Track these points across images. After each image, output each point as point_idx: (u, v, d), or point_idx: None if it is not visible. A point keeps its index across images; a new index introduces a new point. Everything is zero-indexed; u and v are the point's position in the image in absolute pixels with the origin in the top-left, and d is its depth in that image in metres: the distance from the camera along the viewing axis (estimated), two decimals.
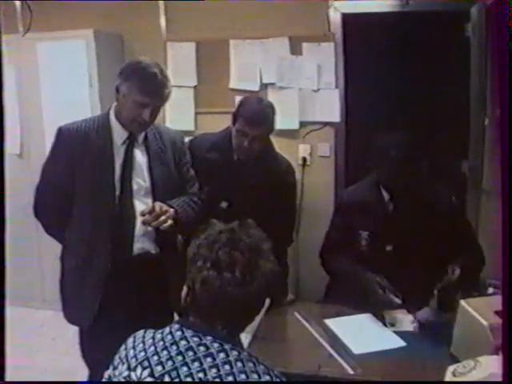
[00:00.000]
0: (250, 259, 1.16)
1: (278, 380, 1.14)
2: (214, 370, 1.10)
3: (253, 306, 1.21)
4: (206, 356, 1.12)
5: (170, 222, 1.89)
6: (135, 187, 1.98)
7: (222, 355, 1.12)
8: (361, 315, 2.04)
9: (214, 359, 1.11)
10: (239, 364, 1.11)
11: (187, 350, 1.13)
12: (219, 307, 1.16)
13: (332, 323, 1.98)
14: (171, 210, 1.92)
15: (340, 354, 1.75)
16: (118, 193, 1.95)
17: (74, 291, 2.03)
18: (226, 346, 1.14)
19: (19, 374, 1.36)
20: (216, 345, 1.14)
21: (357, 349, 1.78)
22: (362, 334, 1.91)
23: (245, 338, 1.68)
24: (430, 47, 3.01)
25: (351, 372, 1.65)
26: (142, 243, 2.00)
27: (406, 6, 2.96)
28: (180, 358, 1.12)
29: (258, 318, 1.91)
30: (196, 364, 1.11)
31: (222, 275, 1.13)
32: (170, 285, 1.98)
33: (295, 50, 3.13)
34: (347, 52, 3.11)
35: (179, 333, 1.17)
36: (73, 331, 2.12)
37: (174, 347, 1.14)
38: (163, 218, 1.88)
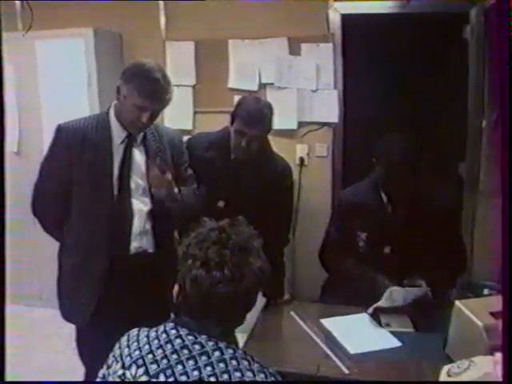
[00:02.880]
0: (239, 257, 1.16)
1: (272, 378, 1.15)
2: (208, 368, 1.10)
3: (243, 303, 1.20)
4: (201, 354, 1.12)
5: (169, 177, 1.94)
6: (133, 186, 1.98)
7: (217, 353, 1.12)
8: (357, 315, 2.04)
9: (209, 357, 1.12)
10: (234, 362, 1.12)
11: (182, 348, 1.14)
12: (210, 306, 1.16)
13: (328, 323, 1.98)
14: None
15: (336, 354, 1.75)
16: (116, 192, 1.96)
17: (71, 289, 2.04)
18: (221, 345, 1.14)
19: (15, 373, 1.36)
20: (211, 343, 1.14)
21: (353, 348, 1.79)
22: (358, 333, 1.91)
23: (241, 337, 1.69)
24: (428, 49, 3.02)
25: (347, 372, 1.65)
26: (139, 242, 2.00)
27: (404, 8, 2.97)
28: (175, 356, 1.13)
29: (254, 316, 1.92)
30: (191, 362, 1.11)
31: (212, 274, 1.13)
32: (167, 283, 1.98)
33: (294, 50, 3.13)
34: (346, 53, 3.11)
35: (174, 331, 1.17)
36: (69, 329, 2.13)
37: (169, 346, 1.15)
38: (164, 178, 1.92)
